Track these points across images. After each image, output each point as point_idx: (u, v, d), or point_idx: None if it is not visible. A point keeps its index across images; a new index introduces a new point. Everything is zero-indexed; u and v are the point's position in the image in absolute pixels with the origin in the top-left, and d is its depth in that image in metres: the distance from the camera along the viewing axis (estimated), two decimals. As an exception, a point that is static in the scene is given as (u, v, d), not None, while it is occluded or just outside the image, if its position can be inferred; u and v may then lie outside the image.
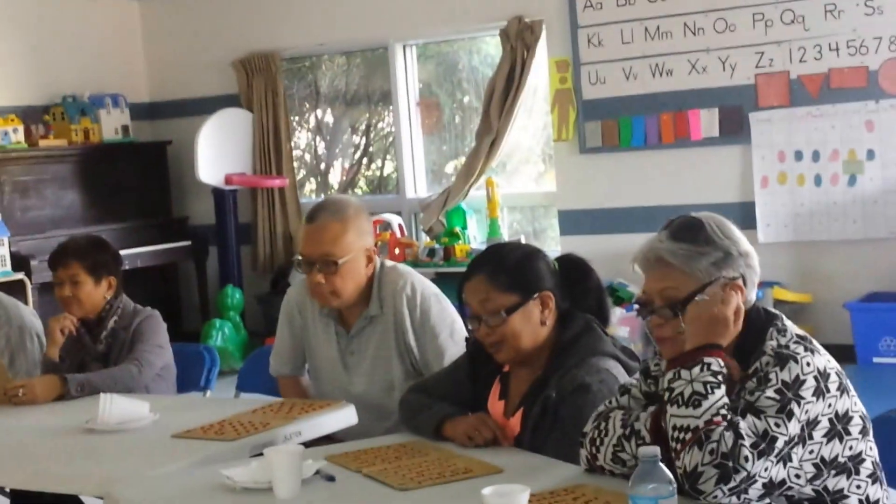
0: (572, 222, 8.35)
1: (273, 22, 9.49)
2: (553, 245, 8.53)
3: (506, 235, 8.55)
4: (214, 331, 8.84)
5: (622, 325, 7.39)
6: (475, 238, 8.66)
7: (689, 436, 2.45)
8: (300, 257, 3.88)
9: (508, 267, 3.21)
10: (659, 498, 2.18)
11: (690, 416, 2.47)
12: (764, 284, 7.29)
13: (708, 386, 2.49)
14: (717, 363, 2.53)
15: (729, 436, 2.40)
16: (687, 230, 2.66)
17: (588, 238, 8.14)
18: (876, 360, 7.15)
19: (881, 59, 7.28)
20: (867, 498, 2.56)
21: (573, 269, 3.33)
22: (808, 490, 2.50)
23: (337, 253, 3.79)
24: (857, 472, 2.54)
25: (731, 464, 2.38)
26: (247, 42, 9.56)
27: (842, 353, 7.05)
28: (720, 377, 2.51)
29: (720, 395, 2.48)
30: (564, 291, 3.26)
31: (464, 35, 8.98)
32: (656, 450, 2.24)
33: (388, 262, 4.02)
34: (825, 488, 2.51)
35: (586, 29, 8.13)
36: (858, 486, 2.54)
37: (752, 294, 2.67)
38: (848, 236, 7.46)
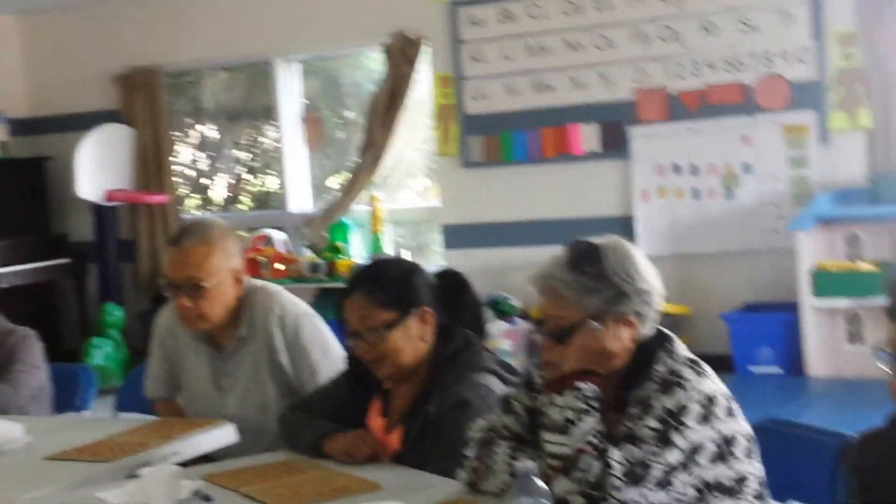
0: (455, 237, 8.39)
1: (155, 37, 9.40)
2: (437, 260, 8.56)
3: (389, 250, 8.56)
4: (94, 349, 8.69)
5: (505, 338, 7.43)
6: (358, 253, 8.65)
7: (559, 463, 2.46)
8: (166, 281, 3.82)
9: (387, 283, 3.20)
10: (535, 512, 2.18)
11: (561, 444, 2.48)
12: (644, 297, 7.37)
13: (579, 413, 2.49)
14: (590, 389, 2.53)
15: (597, 464, 2.41)
16: (585, 260, 2.61)
17: (471, 252, 8.19)
18: (753, 369, 7.27)
19: (756, 74, 7.43)
20: None
21: (451, 284, 3.34)
22: None
23: (202, 276, 3.72)
24: (742, 493, 2.55)
25: (598, 493, 2.39)
26: (128, 57, 9.46)
27: (720, 364, 7.11)
28: (592, 403, 2.51)
29: (591, 422, 2.49)
30: (443, 307, 3.27)
31: (346, 50, 8.99)
32: (531, 464, 2.24)
33: (257, 283, 3.97)
34: None
35: (468, 45, 8.18)
36: None
37: (647, 329, 2.64)
38: (725, 248, 7.61)
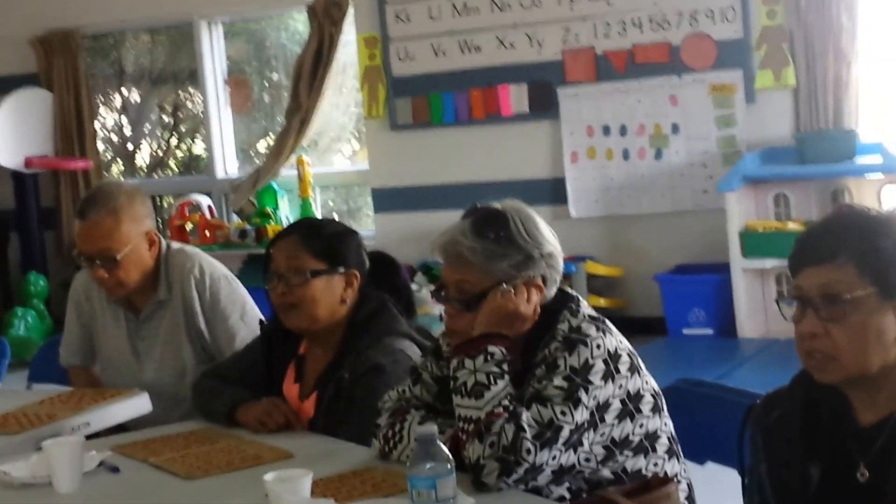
0: (386, 200, 8.30)
1: (73, -3, 9.21)
2: (368, 224, 8.50)
3: (319, 215, 8.47)
4: (17, 319, 8.54)
5: (437, 303, 7.37)
6: (287, 218, 8.54)
7: (471, 427, 2.44)
8: (77, 253, 3.74)
9: (324, 236, 3.21)
10: (437, 477, 2.15)
11: (473, 408, 2.46)
12: (576, 259, 7.37)
13: (491, 376, 2.48)
14: (500, 352, 2.52)
15: (510, 428, 2.39)
16: (490, 226, 2.60)
17: (402, 216, 8.10)
18: (686, 331, 7.24)
19: (683, 34, 7.39)
20: (665, 474, 2.57)
21: (383, 267, 3.33)
22: (607, 472, 2.51)
23: (114, 247, 3.65)
24: (654, 450, 2.56)
25: (512, 457, 2.37)
26: (45, 19, 9.23)
27: (653, 326, 7.20)
28: (504, 366, 2.50)
29: (503, 385, 2.48)
30: (374, 288, 3.26)
31: (270, 11, 8.86)
32: (433, 428, 2.20)
33: (175, 245, 3.91)
34: (623, 469, 2.52)
35: (393, 5, 8.07)
36: (656, 464, 2.56)
37: (552, 291, 2.64)
38: (656, 209, 7.58)
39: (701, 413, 2.90)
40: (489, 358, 2.50)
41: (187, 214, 8.68)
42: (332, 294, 3.15)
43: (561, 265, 2.66)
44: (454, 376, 2.53)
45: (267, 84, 9.33)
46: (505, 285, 2.56)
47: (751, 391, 2.76)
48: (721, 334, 7.16)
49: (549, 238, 2.64)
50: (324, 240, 3.19)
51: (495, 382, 2.47)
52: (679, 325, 7.25)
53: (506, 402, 2.45)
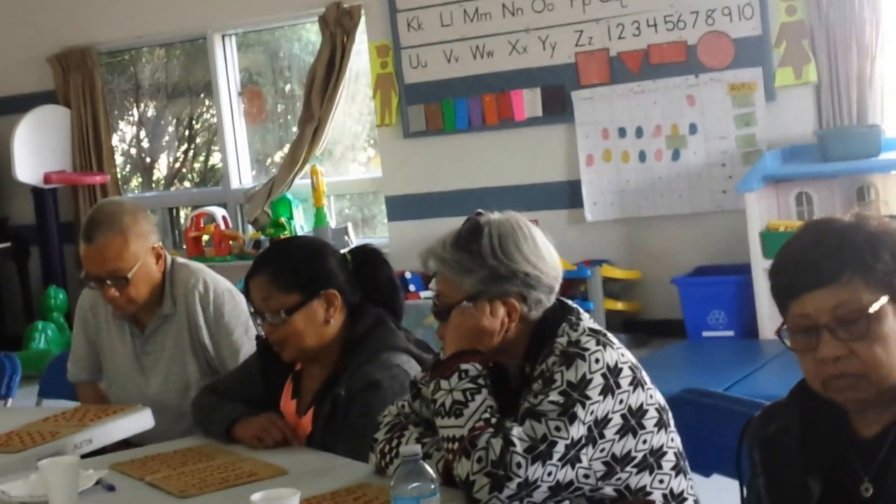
0: (400, 208, 8.28)
1: (88, 15, 9.25)
2: (382, 231, 8.47)
3: (333, 223, 8.45)
4: (37, 333, 8.57)
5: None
6: (302, 228, 8.54)
7: (456, 446, 2.41)
8: (86, 275, 3.73)
9: (292, 266, 3.13)
10: (421, 497, 2.12)
11: (455, 426, 2.43)
12: (593, 262, 7.31)
13: (468, 393, 2.45)
14: (474, 368, 2.49)
15: (497, 442, 2.34)
16: (466, 239, 2.56)
17: (416, 223, 8.08)
18: (705, 333, 7.17)
19: (699, 33, 7.33)
20: (671, 491, 2.52)
21: (365, 262, 3.27)
22: (609, 490, 2.45)
23: (125, 267, 3.66)
24: (660, 467, 2.50)
25: (502, 472, 2.32)
26: (62, 37, 9.30)
27: (672, 329, 7.14)
28: (480, 381, 2.47)
29: (481, 399, 2.44)
30: (356, 284, 3.19)
31: (282, 23, 8.87)
32: (417, 448, 2.19)
33: (180, 260, 3.92)
34: (627, 487, 2.46)
35: (405, 13, 8.05)
36: (661, 481, 2.50)
37: (536, 312, 2.57)
38: (674, 211, 7.51)
39: (706, 424, 2.83)
40: (463, 375, 2.47)
41: (202, 226, 8.68)
42: (314, 322, 3.10)
43: (548, 286, 2.57)
44: (433, 399, 2.50)
45: (281, 95, 9.31)
46: (466, 303, 2.53)
47: (756, 401, 2.69)
48: (742, 336, 7.08)
49: (530, 257, 2.56)
50: (293, 271, 3.11)
51: (472, 398, 2.44)
52: (699, 327, 7.17)
53: (486, 416, 2.41)
